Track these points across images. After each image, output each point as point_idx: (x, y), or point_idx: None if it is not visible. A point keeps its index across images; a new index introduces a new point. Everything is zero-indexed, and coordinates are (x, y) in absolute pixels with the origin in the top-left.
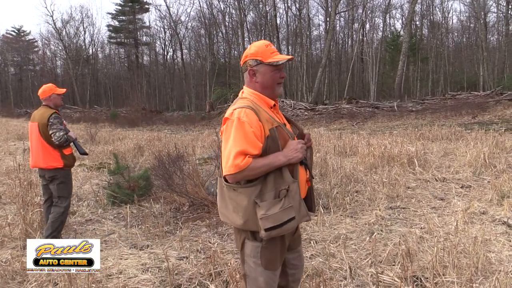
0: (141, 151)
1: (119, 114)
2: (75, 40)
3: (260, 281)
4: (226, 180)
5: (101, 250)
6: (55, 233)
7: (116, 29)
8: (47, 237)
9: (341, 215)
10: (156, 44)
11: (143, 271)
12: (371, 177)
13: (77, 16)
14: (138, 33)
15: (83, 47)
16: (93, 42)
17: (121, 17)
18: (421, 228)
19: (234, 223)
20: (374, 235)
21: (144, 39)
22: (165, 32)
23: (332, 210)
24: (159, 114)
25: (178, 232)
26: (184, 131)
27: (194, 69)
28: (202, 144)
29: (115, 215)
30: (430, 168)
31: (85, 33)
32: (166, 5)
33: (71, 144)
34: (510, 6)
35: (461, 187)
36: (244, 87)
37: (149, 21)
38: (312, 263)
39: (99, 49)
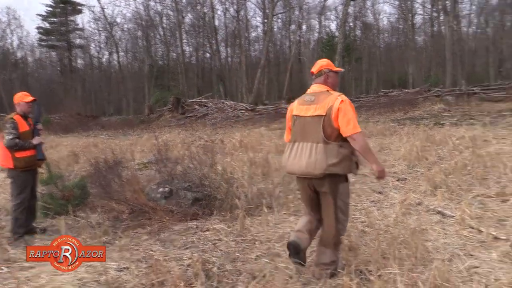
0: (76, 159)
1: (52, 120)
2: (1, 44)
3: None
4: (338, 140)
5: (32, 267)
6: (15, 229)
7: (47, 31)
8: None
9: (285, 213)
10: (91, 47)
11: (80, 287)
12: None
13: (3, 18)
14: (71, 35)
15: (11, 50)
16: (21, 45)
17: (52, 19)
18: (362, 222)
19: (340, 171)
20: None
21: (77, 42)
22: (100, 35)
23: (275, 210)
24: (96, 119)
25: (117, 241)
26: (122, 135)
27: (131, 72)
28: (142, 148)
29: (49, 228)
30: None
31: (12, 35)
32: (100, 7)
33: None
34: (434, 9)
35: (397, 180)
36: (321, 84)
37: (83, 23)
38: (258, 265)
39: (28, 52)
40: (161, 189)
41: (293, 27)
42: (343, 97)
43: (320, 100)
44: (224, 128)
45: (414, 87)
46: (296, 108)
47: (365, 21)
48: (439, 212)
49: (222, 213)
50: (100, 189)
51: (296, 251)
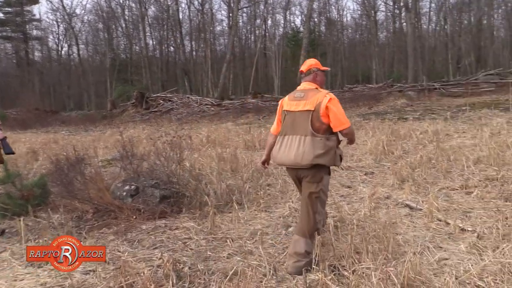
0: (36, 156)
1: (8, 115)
2: None
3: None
4: (326, 134)
5: None
6: None
7: (2, 22)
8: None
9: (255, 210)
10: (49, 39)
11: None
12: (282, 169)
13: None
14: (28, 26)
15: None
16: None
17: (6, 9)
18: (333, 217)
19: (325, 162)
20: (290, 228)
21: (34, 33)
22: (58, 26)
23: (246, 206)
24: (55, 114)
25: (82, 243)
26: (84, 131)
27: (92, 66)
28: (105, 144)
29: (7, 230)
30: None
31: None
32: None
33: None
34: (396, 6)
35: (365, 174)
36: (310, 82)
37: (40, 14)
38: (231, 263)
39: None
40: (127, 187)
41: (258, 21)
42: (331, 95)
43: (309, 97)
44: (190, 123)
45: (377, 82)
46: (286, 103)
47: (329, 17)
48: (407, 205)
49: (192, 210)
50: (62, 188)
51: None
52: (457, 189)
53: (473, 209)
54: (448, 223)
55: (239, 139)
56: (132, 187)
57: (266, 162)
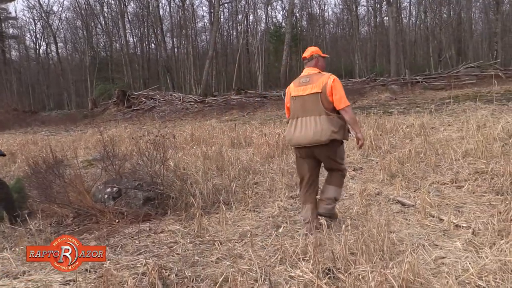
0: (13, 158)
1: None
2: None
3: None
4: (334, 113)
5: None
6: None
7: None
8: None
9: (244, 210)
10: (26, 37)
11: None
12: (269, 167)
13: None
14: (3, 24)
15: None
16: None
17: None
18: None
19: (339, 137)
20: (280, 229)
21: (11, 32)
22: (35, 24)
23: (233, 206)
24: (35, 114)
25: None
26: (64, 131)
27: (72, 64)
28: (86, 145)
29: None
30: None
31: None
32: None
33: None
34: (377, 0)
35: (354, 170)
36: (313, 68)
37: (16, 11)
38: (220, 269)
39: None
40: (108, 189)
41: (240, 17)
42: (334, 76)
43: (314, 80)
44: (173, 121)
45: (360, 76)
46: (293, 90)
47: (311, 12)
48: (399, 202)
49: (177, 212)
50: (40, 192)
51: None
52: (447, 184)
53: (465, 204)
54: (441, 220)
55: (224, 136)
56: (114, 189)
57: None
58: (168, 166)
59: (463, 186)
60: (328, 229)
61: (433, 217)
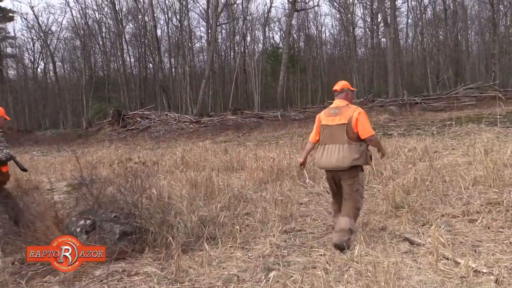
0: None
1: None
2: None
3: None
4: (358, 141)
5: None
6: None
7: None
8: None
9: (231, 246)
10: (24, 57)
11: None
12: (261, 194)
13: None
14: (2, 44)
15: None
16: None
17: None
18: (322, 255)
19: (360, 163)
20: (272, 273)
21: (9, 51)
22: (33, 44)
23: (220, 241)
24: (29, 133)
25: None
26: (56, 151)
27: (69, 83)
28: (74, 166)
29: None
30: (320, 180)
31: None
32: (34, 14)
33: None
34: (374, 22)
35: None
36: (342, 100)
37: (14, 31)
38: None
39: None
40: (81, 222)
41: (237, 38)
42: (360, 109)
43: (342, 112)
44: (168, 141)
45: (358, 97)
46: (323, 119)
47: (308, 33)
48: (406, 239)
49: (156, 249)
50: (5, 225)
51: (342, 250)
52: (458, 217)
53: (481, 242)
54: (457, 263)
55: (216, 159)
56: (88, 222)
57: (303, 164)
58: (150, 195)
59: (476, 220)
60: (326, 274)
61: (448, 259)
